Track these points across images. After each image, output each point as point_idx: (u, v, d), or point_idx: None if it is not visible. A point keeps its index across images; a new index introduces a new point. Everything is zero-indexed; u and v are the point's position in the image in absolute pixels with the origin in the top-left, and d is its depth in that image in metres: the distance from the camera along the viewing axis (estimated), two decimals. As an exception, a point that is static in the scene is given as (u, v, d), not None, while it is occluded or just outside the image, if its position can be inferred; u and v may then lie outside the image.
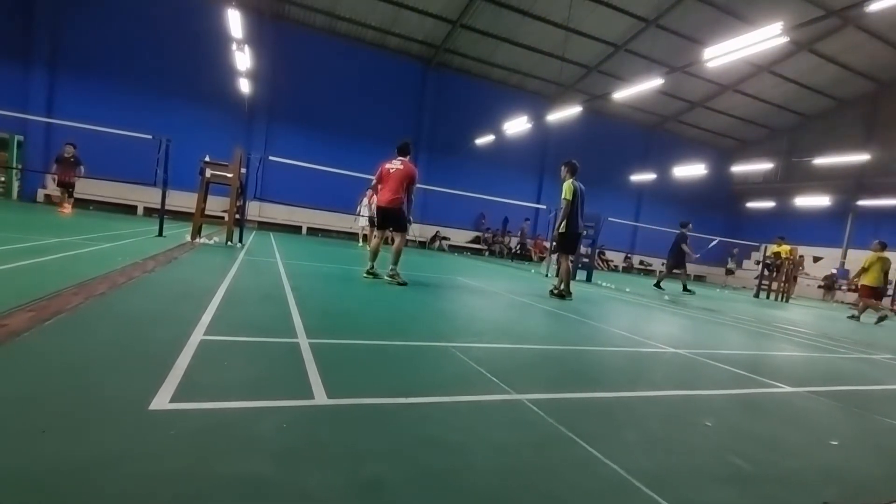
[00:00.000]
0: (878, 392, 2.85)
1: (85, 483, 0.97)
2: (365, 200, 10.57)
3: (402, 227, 5.21)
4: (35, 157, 12.58)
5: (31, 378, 1.47)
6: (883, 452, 1.77)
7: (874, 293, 8.43)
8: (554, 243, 6.19)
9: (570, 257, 5.86)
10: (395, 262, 5.05)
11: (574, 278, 9.51)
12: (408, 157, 5.30)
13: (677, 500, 1.19)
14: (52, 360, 1.64)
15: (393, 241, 5.25)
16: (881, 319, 7.94)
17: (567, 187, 5.57)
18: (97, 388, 1.44)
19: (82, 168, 9.57)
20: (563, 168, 5.77)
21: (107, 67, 13.24)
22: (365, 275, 5.15)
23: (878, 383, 3.11)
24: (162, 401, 1.40)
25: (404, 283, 4.89)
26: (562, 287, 5.67)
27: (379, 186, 5.22)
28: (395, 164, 5.15)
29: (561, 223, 5.66)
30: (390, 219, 5.17)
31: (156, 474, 1.04)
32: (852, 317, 8.62)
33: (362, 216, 10.74)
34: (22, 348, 1.71)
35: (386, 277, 4.96)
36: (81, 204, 12.48)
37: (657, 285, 9.92)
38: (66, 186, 9.57)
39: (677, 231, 10.09)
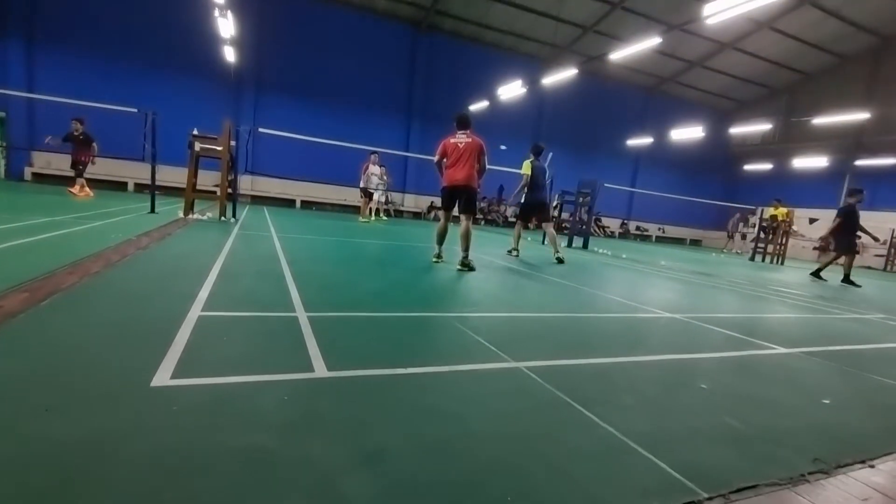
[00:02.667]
0: (870, 351, 2.90)
1: (91, 459, 0.98)
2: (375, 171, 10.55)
3: (473, 209, 4.80)
4: (19, 134, 12.26)
5: (30, 358, 1.46)
6: (873, 409, 1.82)
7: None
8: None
9: (552, 224, 6.71)
10: (467, 249, 4.54)
11: (570, 245, 9.56)
12: (470, 129, 4.81)
13: (673, 461, 1.21)
14: (50, 340, 1.63)
15: (454, 222, 4.99)
16: (848, 280, 7.43)
17: (525, 164, 6.39)
18: (98, 367, 1.44)
19: (95, 146, 8.91)
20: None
21: (87, 38, 12.74)
22: (434, 259, 4.82)
23: (870, 342, 3.17)
24: (163, 377, 1.40)
25: (473, 269, 4.47)
26: (514, 246, 6.50)
27: (444, 163, 4.78)
28: (461, 138, 4.68)
29: (519, 194, 6.52)
30: (463, 199, 4.71)
31: (160, 449, 1.05)
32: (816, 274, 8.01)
33: (369, 188, 10.68)
34: (19, 329, 1.70)
35: (458, 267, 4.48)
36: (72, 182, 12.25)
37: (817, 274, 7.82)
38: (76, 165, 8.86)
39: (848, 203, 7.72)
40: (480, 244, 7.82)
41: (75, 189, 8.96)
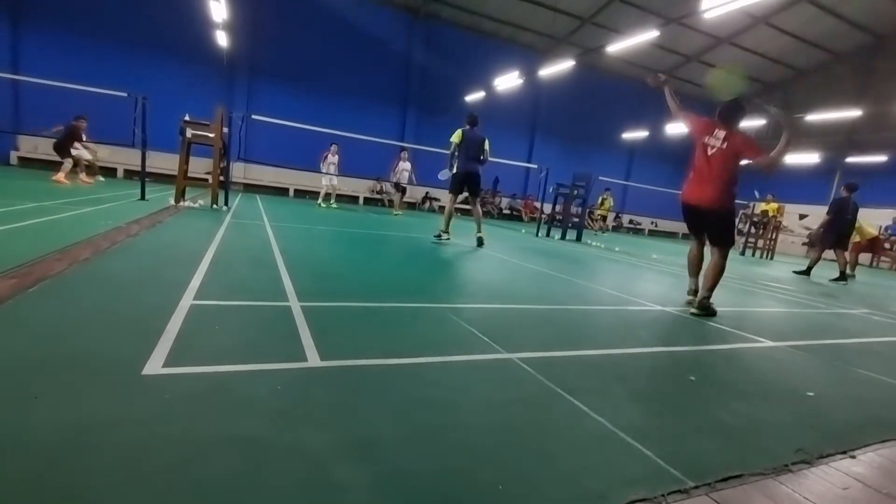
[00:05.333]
0: (854, 345, 2.96)
1: (81, 448, 0.98)
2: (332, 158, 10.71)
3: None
4: (3, 118, 11.98)
5: (18, 345, 1.45)
6: (856, 401, 1.86)
7: (854, 248, 8.43)
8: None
9: (457, 199, 6.31)
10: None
11: (564, 237, 9.60)
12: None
13: (661, 451, 1.24)
14: (39, 328, 1.61)
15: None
16: (842, 277, 7.50)
17: (456, 133, 6.10)
18: (88, 355, 1.43)
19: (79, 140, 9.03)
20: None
21: (75, 19, 12.42)
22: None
23: (855, 336, 3.23)
24: (155, 366, 1.40)
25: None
26: (443, 228, 6.09)
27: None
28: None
29: (451, 164, 6.22)
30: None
31: (152, 438, 1.05)
32: (804, 266, 8.09)
33: (326, 174, 10.85)
34: (6, 316, 1.68)
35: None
36: (59, 167, 12.03)
37: (807, 272, 7.77)
38: (60, 151, 8.85)
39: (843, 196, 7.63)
40: (490, 238, 7.82)
41: (83, 176, 9.18)
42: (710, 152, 3.27)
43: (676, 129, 18.00)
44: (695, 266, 3.73)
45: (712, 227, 3.44)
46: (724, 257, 3.39)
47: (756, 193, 12.82)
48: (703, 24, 15.52)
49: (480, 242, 5.94)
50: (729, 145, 3.18)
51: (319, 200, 11.21)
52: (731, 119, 3.29)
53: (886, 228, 13.88)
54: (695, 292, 3.59)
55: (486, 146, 6.13)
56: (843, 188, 7.75)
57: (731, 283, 5.57)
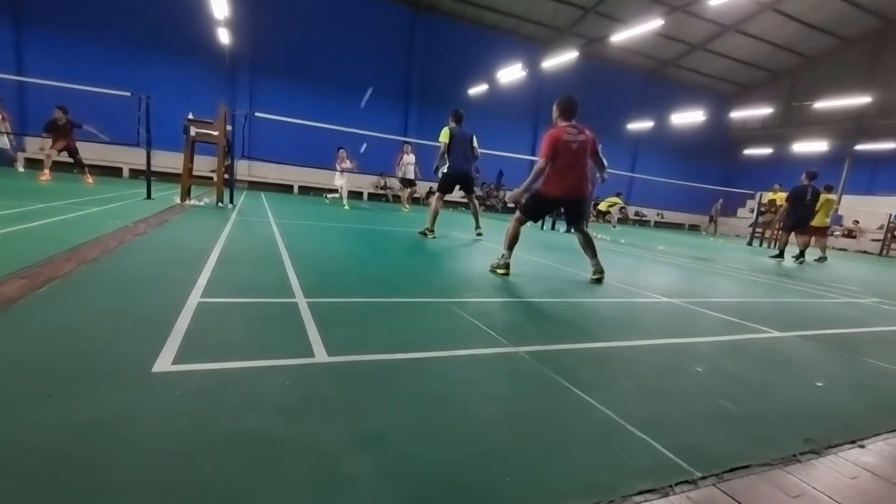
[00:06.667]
0: (864, 334, 2.93)
1: (94, 445, 0.99)
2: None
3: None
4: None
5: (31, 344, 1.47)
6: (865, 392, 1.85)
7: (822, 233, 8.93)
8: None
9: (443, 197, 6.10)
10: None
11: (569, 231, 9.55)
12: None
13: (668, 442, 1.24)
14: (50, 326, 1.64)
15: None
16: (801, 255, 8.20)
17: (444, 132, 5.81)
18: (99, 353, 1.45)
19: (76, 130, 8.93)
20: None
21: (77, 19, 12.48)
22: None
23: (864, 326, 3.20)
24: (164, 363, 1.41)
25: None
26: (428, 226, 5.82)
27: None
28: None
29: (438, 164, 6.02)
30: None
31: (163, 434, 1.06)
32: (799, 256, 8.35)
33: (341, 171, 10.80)
34: (19, 315, 1.70)
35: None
36: (66, 167, 12.13)
37: (781, 255, 8.40)
38: (73, 154, 8.92)
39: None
40: (495, 232, 7.81)
41: (88, 177, 9.18)
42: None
43: (682, 119, 17.83)
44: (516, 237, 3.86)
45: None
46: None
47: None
48: (708, 12, 15.31)
49: (479, 237, 6.05)
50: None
51: (344, 202, 10.91)
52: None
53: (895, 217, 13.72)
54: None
55: (475, 143, 6.00)
56: (804, 175, 8.41)
57: (738, 273, 5.54)
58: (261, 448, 1.04)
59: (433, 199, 6.05)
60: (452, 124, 5.91)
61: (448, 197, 6.28)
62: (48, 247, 2.77)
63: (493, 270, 3.65)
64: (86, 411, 1.12)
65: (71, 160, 8.99)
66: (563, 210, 4.01)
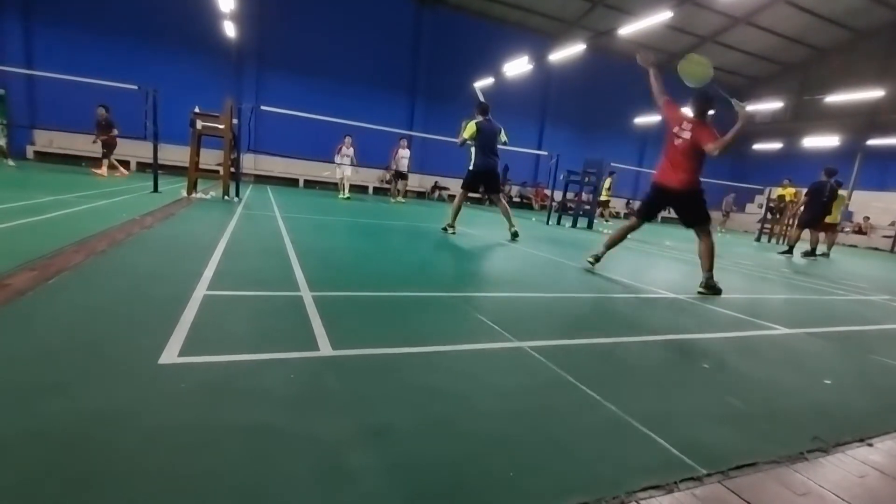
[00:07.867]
0: (873, 332, 2.90)
1: (101, 435, 1.00)
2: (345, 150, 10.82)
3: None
4: (19, 112, 12.18)
5: (39, 336, 1.49)
6: (873, 389, 1.83)
7: (832, 229, 8.87)
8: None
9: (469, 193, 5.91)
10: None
11: (574, 225, 9.52)
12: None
13: (674, 439, 1.23)
14: (58, 318, 1.65)
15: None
16: (812, 252, 8.16)
17: (469, 125, 5.58)
18: (106, 345, 1.47)
19: (115, 131, 9.46)
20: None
21: (86, 13, 12.50)
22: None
23: (873, 323, 3.16)
24: (171, 355, 1.42)
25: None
26: (450, 222, 5.67)
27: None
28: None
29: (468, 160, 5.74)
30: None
31: (170, 425, 1.07)
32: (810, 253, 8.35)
33: (340, 165, 10.97)
34: (28, 307, 1.72)
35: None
36: (74, 161, 12.23)
37: (790, 252, 8.26)
38: (107, 147, 9.55)
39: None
40: (485, 224, 7.81)
41: (101, 170, 9.58)
42: (676, 143, 3.56)
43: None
44: (619, 239, 3.99)
45: (683, 207, 3.66)
46: (708, 234, 3.61)
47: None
48: (718, 4, 15.05)
49: (515, 236, 5.62)
50: (692, 137, 3.44)
51: (340, 194, 11.22)
52: (701, 111, 3.55)
53: None
54: (597, 258, 3.96)
55: (504, 136, 5.74)
56: (823, 172, 8.30)
57: (745, 269, 5.49)
58: (265, 440, 1.05)
59: (458, 195, 5.83)
60: (479, 118, 5.61)
61: (457, 192, 6.06)
62: (57, 239, 2.80)
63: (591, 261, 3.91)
64: (93, 402, 1.13)
65: (100, 153, 9.62)
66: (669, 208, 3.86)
